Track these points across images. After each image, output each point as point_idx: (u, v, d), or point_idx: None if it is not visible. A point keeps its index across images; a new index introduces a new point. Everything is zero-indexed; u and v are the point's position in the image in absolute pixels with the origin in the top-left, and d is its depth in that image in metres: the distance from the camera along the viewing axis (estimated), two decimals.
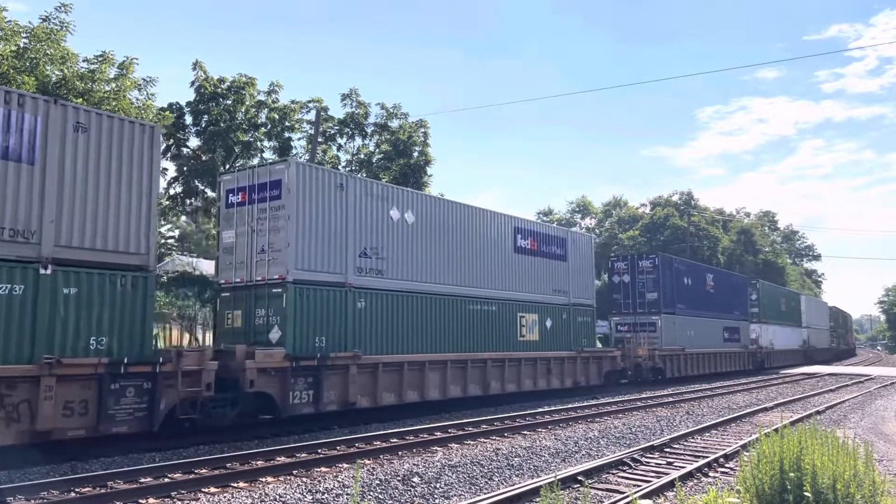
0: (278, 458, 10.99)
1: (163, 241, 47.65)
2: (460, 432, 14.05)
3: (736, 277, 43.04)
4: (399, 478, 9.84)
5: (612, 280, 32.30)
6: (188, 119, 29.70)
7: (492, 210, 21.31)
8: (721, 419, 16.69)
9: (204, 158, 29.48)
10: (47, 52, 20.15)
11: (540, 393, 21.95)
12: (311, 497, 8.74)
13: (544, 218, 78.33)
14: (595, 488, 9.39)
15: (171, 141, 29.33)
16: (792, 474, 6.75)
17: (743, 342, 40.03)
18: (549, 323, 22.69)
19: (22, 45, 19.75)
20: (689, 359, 32.03)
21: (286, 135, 31.81)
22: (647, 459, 11.56)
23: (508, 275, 21.21)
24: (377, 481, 9.60)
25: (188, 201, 30.79)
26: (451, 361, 18.31)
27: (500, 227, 21.33)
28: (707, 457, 11.62)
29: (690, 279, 33.81)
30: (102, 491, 8.75)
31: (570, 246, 24.65)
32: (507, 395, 20.55)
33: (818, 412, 18.81)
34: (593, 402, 20.83)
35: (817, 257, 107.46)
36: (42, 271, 10.81)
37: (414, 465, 10.79)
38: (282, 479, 9.78)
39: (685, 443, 13.52)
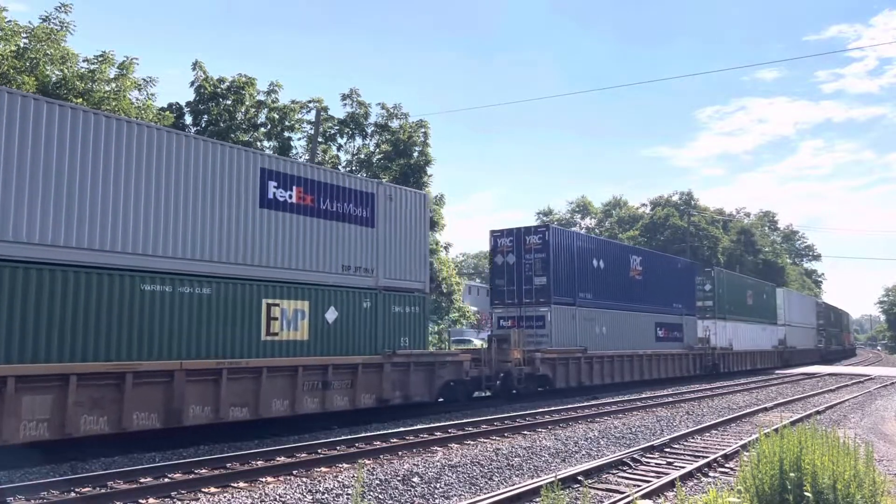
0: (278, 458, 10.99)
1: None
2: (460, 432, 14.05)
3: (678, 262, 34.39)
4: (399, 478, 9.84)
5: (495, 262, 24.71)
6: (188, 119, 29.72)
7: (214, 141, 14.20)
8: (721, 419, 16.69)
9: None
10: (47, 52, 20.17)
11: (308, 418, 14.92)
12: (311, 497, 8.74)
13: (544, 218, 78.29)
14: (595, 488, 9.39)
15: None
16: (792, 474, 6.75)
17: (687, 342, 32.46)
18: (331, 314, 15.49)
19: (22, 45, 19.76)
20: (594, 363, 24.72)
21: (286, 135, 31.83)
22: (647, 459, 11.56)
23: (248, 241, 13.98)
24: (377, 481, 9.60)
25: None
26: (80, 376, 10.94)
27: (231, 167, 13.88)
28: (707, 457, 11.62)
29: (603, 261, 26.35)
30: (102, 491, 8.75)
31: (380, 205, 17.05)
32: (236, 425, 13.57)
33: (818, 412, 18.81)
34: (593, 402, 20.82)
35: (817, 257, 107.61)
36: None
37: (414, 464, 10.79)
38: (282, 479, 9.78)
39: (685, 443, 13.52)
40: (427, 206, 19.00)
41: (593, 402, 20.48)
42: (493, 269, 25.10)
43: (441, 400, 18.85)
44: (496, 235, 24.79)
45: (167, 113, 26.16)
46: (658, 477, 10.16)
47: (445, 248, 37.38)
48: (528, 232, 24.11)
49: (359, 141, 34.48)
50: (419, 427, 14.32)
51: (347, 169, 33.26)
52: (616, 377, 26.08)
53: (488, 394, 21.13)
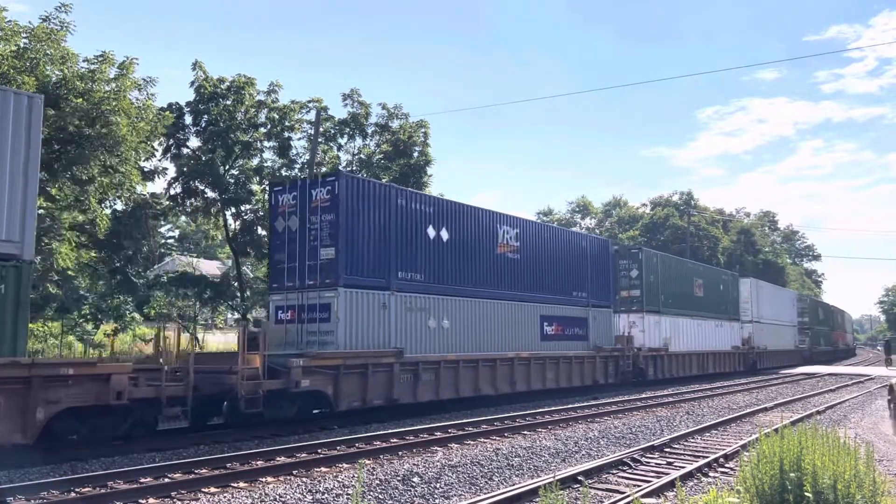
0: (278, 458, 10.98)
1: (163, 241, 47.72)
2: (460, 432, 14.05)
3: (583, 239, 26.60)
4: (399, 478, 9.84)
5: (275, 228, 17.47)
6: (188, 119, 29.74)
7: None
8: (721, 419, 16.68)
9: (204, 159, 29.49)
10: (47, 52, 20.17)
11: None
12: (311, 497, 8.74)
13: (544, 218, 78.34)
14: (595, 488, 9.38)
15: (171, 141, 29.37)
16: (792, 474, 6.74)
17: (593, 341, 25.26)
18: None
19: (22, 45, 19.75)
20: (422, 371, 17.37)
21: (286, 135, 31.85)
22: (647, 459, 11.55)
23: None
24: (377, 481, 9.60)
25: (188, 201, 30.82)
26: None
27: None
28: (707, 457, 11.62)
29: (448, 231, 18.94)
30: (102, 491, 8.74)
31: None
32: None
33: (818, 412, 18.81)
34: (593, 402, 20.82)
35: (817, 257, 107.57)
36: None
37: (414, 465, 10.79)
38: (282, 479, 9.78)
39: (685, 443, 13.51)
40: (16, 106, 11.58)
41: (593, 402, 20.48)
42: (272, 238, 17.94)
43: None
44: (277, 191, 17.52)
45: (167, 113, 26.16)
46: (658, 477, 10.16)
47: None
48: (315, 184, 16.76)
49: (359, 141, 34.51)
50: (419, 427, 14.32)
51: (348, 169, 33.27)
52: (466, 390, 18.75)
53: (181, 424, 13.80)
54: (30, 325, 18.57)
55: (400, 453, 11.83)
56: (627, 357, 26.79)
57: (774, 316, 46.39)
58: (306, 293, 16.43)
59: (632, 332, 28.63)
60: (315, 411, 15.89)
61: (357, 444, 12.40)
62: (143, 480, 9.33)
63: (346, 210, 16.26)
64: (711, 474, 10.68)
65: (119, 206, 28.73)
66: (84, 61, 21.21)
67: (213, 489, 9.12)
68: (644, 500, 8.20)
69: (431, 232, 18.53)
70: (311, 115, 32.02)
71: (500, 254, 21.04)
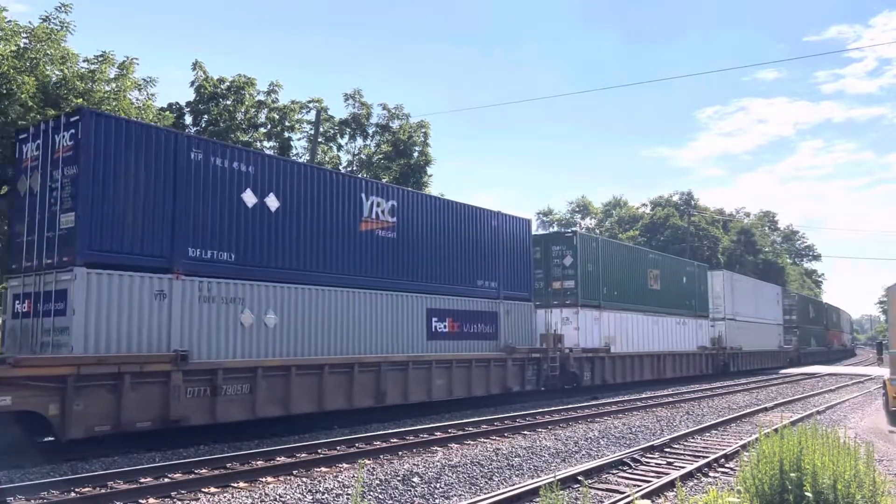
0: (278, 458, 10.99)
1: None
2: (460, 432, 14.05)
3: (493, 218, 21.02)
4: (399, 478, 9.84)
5: (17, 190, 13.15)
6: (188, 119, 29.73)
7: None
8: (721, 419, 16.69)
9: None
10: (47, 52, 20.16)
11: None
12: (311, 497, 8.74)
13: (544, 218, 78.39)
14: (595, 488, 9.39)
15: None
16: (792, 474, 6.74)
17: (505, 340, 20.51)
18: None
19: (22, 45, 19.75)
20: (224, 381, 13.02)
21: (286, 135, 31.86)
22: (647, 459, 11.56)
23: None
24: (377, 481, 9.60)
25: None
26: None
27: None
28: (707, 457, 11.62)
29: (281, 197, 14.89)
30: (102, 491, 8.74)
31: None
32: None
33: (818, 412, 18.82)
34: (594, 402, 20.82)
35: (817, 257, 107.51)
36: None
37: (414, 465, 10.79)
38: (282, 479, 9.78)
39: (685, 443, 13.52)
40: None
41: (593, 402, 20.49)
42: (15, 203, 13.35)
43: None
44: (21, 139, 13.19)
45: (167, 113, 26.15)
46: (658, 477, 10.16)
47: None
48: (59, 127, 12.34)
49: (359, 141, 34.54)
50: (419, 427, 14.32)
51: (348, 169, 33.29)
52: (304, 404, 14.50)
53: None
54: None
55: (400, 453, 11.83)
56: (553, 359, 21.96)
57: (754, 313, 41.83)
58: (43, 276, 12.15)
59: (562, 329, 24.26)
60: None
61: (357, 444, 12.41)
62: (143, 480, 9.33)
63: (93, 161, 11.88)
64: (711, 474, 10.68)
65: None
66: (84, 61, 21.19)
67: (213, 489, 9.12)
68: (644, 501, 8.20)
69: (250, 198, 14.21)
70: (312, 116, 32.05)
71: (365, 231, 16.62)
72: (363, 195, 16.85)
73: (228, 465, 10.43)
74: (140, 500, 8.49)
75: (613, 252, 28.29)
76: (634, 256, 30.20)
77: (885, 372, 18.91)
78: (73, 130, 12.05)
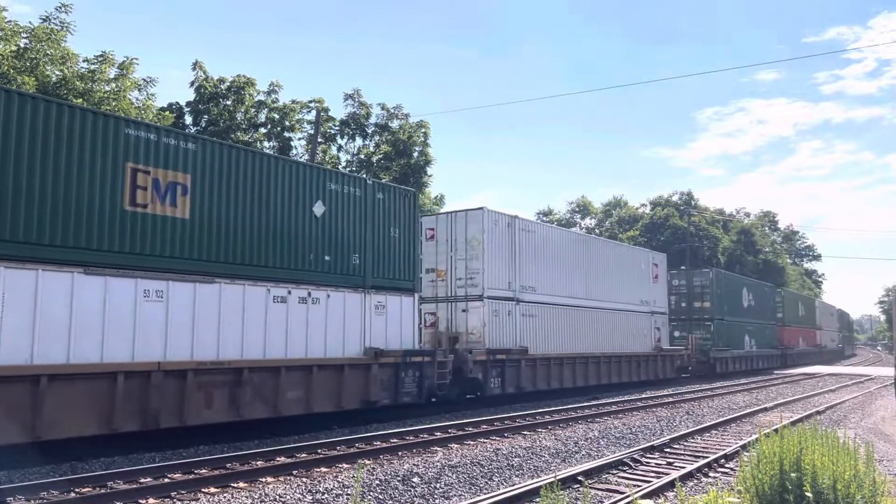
0: (278, 458, 10.98)
1: None
2: (460, 432, 14.05)
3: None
4: (399, 478, 9.84)
5: None
6: (188, 119, 29.75)
7: None
8: (721, 419, 16.69)
9: None
10: (47, 52, 20.17)
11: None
12: (311, 497, 8.74)
13: (544, 218, 78.37)
14: (595, 488, 9.39)
15: None
16: (792, 474, 6.74)
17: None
18: None
19: (22, 45, 19.76)
20: None
21: (286, 135, 31.88)
22: (647, 459, 11.56)
23: None
24: (377, 481, 9.60)
25: None
26: None
27: None
28: (707, 457, 11.62)
29: None
30: (102, 491, 8.74)
31: None
32: None
33: (818, 412, 18.82)
34: (594, 402, 20.82)
35: (817, 257, 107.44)
36: None
37: (414, 465, 10.79)
38: (282, 479, 9.78)
39: (685, 443, 13.52)
40: None
41: (593, 403, 20.48)
42: None
43: None
44: None
45: (167, 113, 26.16)
46: (658, 477, 10.16)
47: None
48: None
49: (359, 141, 34.55)
50: (419, 427, 14.32)
51: (348, 169, 33.28)
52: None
53: None
54: None
55: (400, 453, 11.83)
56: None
57: (585, 291, 24.92)
58: None
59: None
60: None
61: (357, 444, 12.40)
62: (143, 480, 9.33)
63: None
64: (711, 474, 10.68)
65: None
66: (84, 61, 21.23)
67: (213, 489, 9.12)
68: (644, 501, 8.20)
69: None
70: (312, 116, 32.07)
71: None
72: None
73: (228, 465, 10.42)
74: (140, 500, 8.49)
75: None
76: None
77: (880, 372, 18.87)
78: None
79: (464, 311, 20.01)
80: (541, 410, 17.77)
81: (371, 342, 15.90)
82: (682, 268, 42.34)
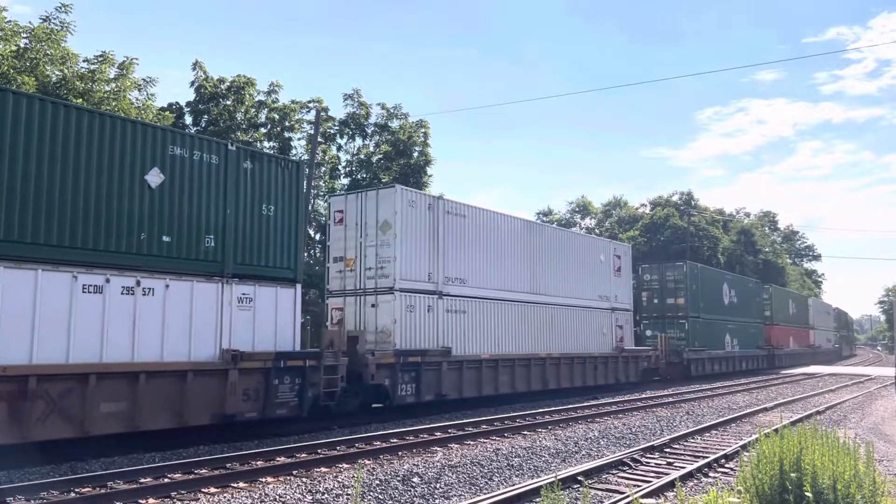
0: (278, 458, 10.99)
1: None
2: (460, 432, 14.05)
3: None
4: (399, 478, 9.84)
5: None
6: (188, 119, 29.75)
7: None
8: (721, 419, 16.69)
9: None
10: (47, 52, 20.18)
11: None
12: (311, 497, 8.74)
13: (544, 218, 78.41)
14: (595, 488, 9.39)
15: None
16: (792, 474, 6.74)
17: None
18: None
19: (22, 45, 19.77)
20: None
21: (286, 135, 31.87)
22: (647, 459, 11.56)
23: None
24: (377, 481, 9.60)
25: None
26: None
27: None
28: (707, 457, 11.62)
29: None
30: (102, 491, 8.74)
31: None
32: None
33: (818, 412, 18.82)
34: (594, 402, 20.82)
35: (817, 257, 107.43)
36: None
37: (414, 465, 10.79)
38: (282, 479, 9.78)
39: (685, 443, 13.52)
40: None
41: (593, 402, 20.49)
42: None
43: None
44: None
45: (167, 113, 26.16)
46: (658, 477, 10.16)
47: None
48: None
49: (359, 141, 34.54)
50: (419, 427, 14.32)
51: (348, 169, 33.28)
52: None
53: None
54: None
55: (400, 453, 11.83)
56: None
57: (530, 286, 22.45)
58: None
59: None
60: None
61: (357, 445, 12.40)
62: (143, 480, 9.33)
63: None
64: (711, 474, 10.68)
65: None
66: (84, 61, 21.23)
67: (213, 489, 9.12)
68: (644, 501, 8.20)
69: None
70: (311, 116, 32.06)
71: None
72: None
73: (228, 465, 10.42)
74: (140, 500, 8.49)
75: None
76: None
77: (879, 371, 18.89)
78: None
79: (373, 305, 17.29)
80: (541, 411, 17.77)
81: (231, 343, 12.96)
82: (657, 264, 37.40)
